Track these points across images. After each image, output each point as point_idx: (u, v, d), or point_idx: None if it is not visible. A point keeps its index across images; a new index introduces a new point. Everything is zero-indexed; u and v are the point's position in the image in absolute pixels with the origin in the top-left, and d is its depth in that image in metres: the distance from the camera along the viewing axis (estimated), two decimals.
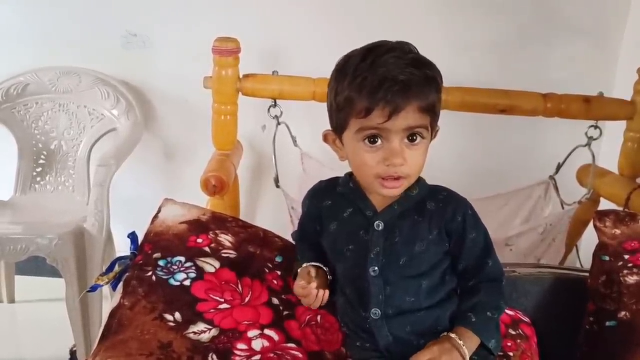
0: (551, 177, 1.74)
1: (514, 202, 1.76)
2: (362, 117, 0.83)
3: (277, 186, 1.53)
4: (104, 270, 0.93)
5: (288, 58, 1.86)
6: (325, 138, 0.93)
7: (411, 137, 0.85)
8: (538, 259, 1.55)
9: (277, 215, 2.01)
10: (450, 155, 1.90)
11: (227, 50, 1.50)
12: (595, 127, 1.57)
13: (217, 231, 0.96)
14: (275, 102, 1.57)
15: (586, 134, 1.58)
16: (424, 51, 1.87)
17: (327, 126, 2.04)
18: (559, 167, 1.72)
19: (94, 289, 0.88)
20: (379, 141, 0.84)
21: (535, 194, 1.76)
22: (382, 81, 0.81)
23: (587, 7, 1.88)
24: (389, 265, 0.89)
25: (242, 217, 1.74)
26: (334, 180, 0.98)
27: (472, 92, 1.54)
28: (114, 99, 1.82)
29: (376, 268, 0.88)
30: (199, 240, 0.95)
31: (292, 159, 1.79)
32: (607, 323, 0.87)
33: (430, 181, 0.98)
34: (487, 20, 1.88)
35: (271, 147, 1.93)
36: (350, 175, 0.95)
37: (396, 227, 0.90)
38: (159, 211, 0.99)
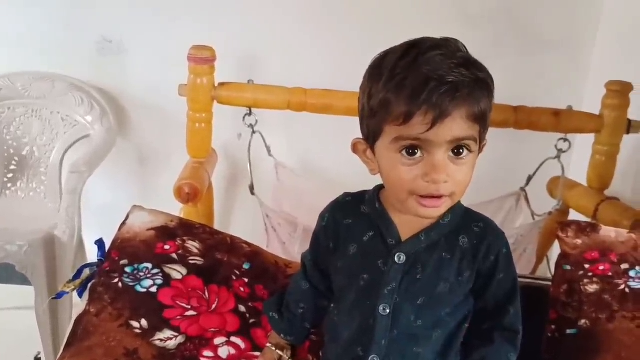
0: (522, 189, 1.77)
1: (486, 213, 1.77)
2: (399, 124, 0.71)
3: (253, 194, 1.53)
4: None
5: (264, 67, 1.87)
6: (355, 148, 0.81)
7: (457, 149, 0.73)
8: None
9: (252, 224, 2.00)
10: None
11: (202, 58, 1.50)
12: (565, 139, 1.60)
13: (184, 238, 0.95)
14: (250, 111, 1.58)
15: (556, 146, 1.61)
16: None
17: (303, 136, 2.06)
18: (529, 179, 1.75)
19: (59, 296, 0.87)
20: (419, 153, 0.72)
21: (506, 206, 1.78)
22: (425, 81, 0.69)
23: (559, 21, 1.92)
24: (403, 306, 0.78)
25: (216, 226, 1.74)
26: (361, 196, 0.85)
27: None
28: (88, 105, 1.81)
29: (387, 307, 0.78)
30: (166, 247, 0.94)
31: (266, 168, 1.79)
32: (568, 331, 0.88)
33: None
34: (463, 33, 1.88)
35: (246, 155, 1.95)
36: (377, 192, 0.83)
37: (419, 262, 0.78)
38: (127, 218, 0.98)
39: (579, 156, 1.71)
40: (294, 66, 1.85)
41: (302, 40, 1.86)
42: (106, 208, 1.96)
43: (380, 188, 0.84)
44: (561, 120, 1.56)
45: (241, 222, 2.00)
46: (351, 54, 1.87)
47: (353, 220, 0.83)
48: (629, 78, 1.74)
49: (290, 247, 1.51)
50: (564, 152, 1.61)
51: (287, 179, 1.73)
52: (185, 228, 0.96)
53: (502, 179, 1.91)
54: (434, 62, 0.71)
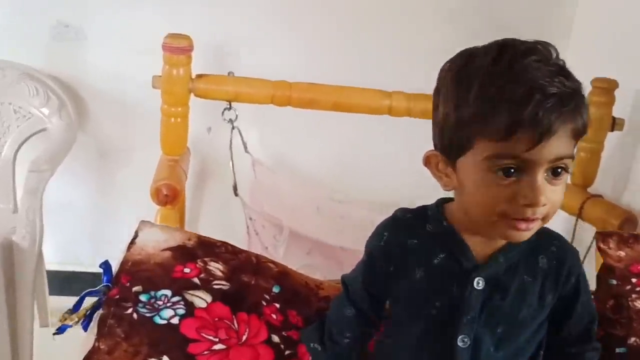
0: None
1: None
2: (499, 141, 0.64)
3: (236, 194, 1.43)
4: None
5: (239, 58, 1.76)
6: (428, 161, 0.74)
7: (555, 169, 0.66)
8: None
9: (224, 224, 1.90)
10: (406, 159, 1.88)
11: (179, 48, 1.39)
12: None
13: (205, 259, 0.84)
14: (230, 105, 1.47)
15: None
16: (380, 57, 1.85)
17: (280, 131, 1.96)
18: None
19: (61, 330, 0.75)
20: (514, 172, 0.65)
21: None
22: (529, 93, 0.62)
23: (535, 17, 1.91)
24: (483, 337, 0.72)
25: (186, 228, 1.63)
26: (422, 212, 0.78)
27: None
28: (43, 96, 1.65)
29: (467, 338, 0.71)
30: (187, 270, 0.83)
31: (241, 165, 1.69)
32: (617, 350, 0.84)
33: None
34: (439, 28, 1.87)
35: (217, 151, 1.84)
36: (440, 207, 0.76)
37: (500, 287, 0.72)
38: (135, 236, 0.86)
39: None
40: (274, 58, 1.75)
41: (282, 30, 1.76)
42: (63, 207, 1.82)
43: (442, 203, 0.77)
44: None
45: (212, 223, 1.89)
46: (334, 46, 1.80)
47: (418, 241, 0.75)
48: (603, 74, 1.76)
49: (273, 251, 1.42)
50: None
51: (265, 177, 1.64)
52: (205, 247, 0.85)
53: None
54: (533, 70, 0.64)
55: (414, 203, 1.71)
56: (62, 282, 1.87)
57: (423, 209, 0.79)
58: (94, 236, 1.92)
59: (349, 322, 0.81)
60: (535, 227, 0.68)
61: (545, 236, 0.74)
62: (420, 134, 1.82)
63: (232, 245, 0.88)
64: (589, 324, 0.78)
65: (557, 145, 0.64)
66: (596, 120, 1.56)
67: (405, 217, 0.79)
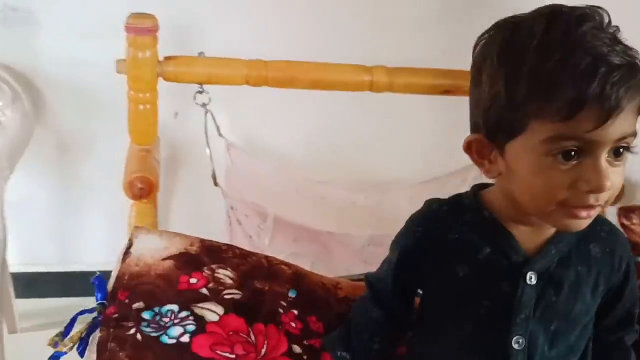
0: None
1: (450, 186, 1.72)
2: (559, 121, 0.57)
3: (216, 184, 1.34)
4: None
5: (209, 38, 1.66)
6: (468, 146, 0.68)
7: (617, 149, 0.61)
8: None
9: (202, 216, 1.82)
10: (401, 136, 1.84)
11: (144, 28, 1.29)
12: None
13: (212, 266, 0.75)
14: (202, 88, 1.38)
15: None
16: (350, 30, 1.76)
17: (253, 110, 1.87)
18: None
19: (54, 358, 0.66)
20: (574, 155, 0.59)
21: (469, 177, 1.72)
22: (593, 65, 0.56)
23: None
24: (539, 335, 0.67)
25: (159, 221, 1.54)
26: (458, 202, 0.71)
27: (418, 72, 1.46)
28: None
29: (522, 339, 0.66)
30: (193, 281, 0.74)
31: (214, 150, 1.60)
32: None
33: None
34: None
35: (186, 137, 1.74)
36: (478, 195, 0.70)
37: (553, 280, 0.67)
38: (130, 244, 0.76)
39: None
40: (245, 35, 1.66)
41: (251, 3, 1.67)
42: (23, 204, 1.69)
43: (478, 190, 0.71)
44: None
45: (188, 215, 1.80)
46: (309, 19, 1.72)
47: (460, 235, 0.69)
48: None
49: (257, 240, 1.35)
50: None
51: (242, 161, 1.56)
52: (210, 252, 0.76)
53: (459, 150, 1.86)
54: (592, 39, 0.57)
55: (395, 180, 1.66)
56: (27, 283, 1.76)
57: (458, 197, 0.73)
58: (58, 234, 1.81)
59: (378, 325, 0.75)
60: (595, 214, 0.63)
61: (593, 221, 0.67)
62: (399, 109, 1.79)
63: (239, 248, 0.79)
64: (631, 308, 0.74)
65: (623, 122, 0.58)
66: None
67: (441, 209, 0.72)
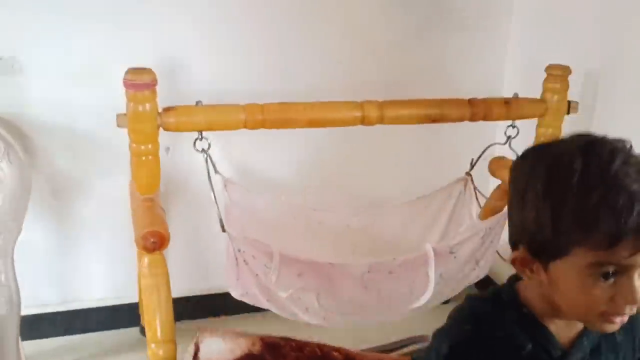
0: (467, 174, 1.79)
1: (436, 202, 1.79)
2: (601, 249, 0.66)
3: (224, 230, 1.38)
4: None
5: (198, 80, 1.69)
6: (514, 262, 0.75)
7: None
8: (477, 260, 1.60)
9: (195, 250, 1.87)
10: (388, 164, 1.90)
11: (143, 84, 1.31)
12: (513, 126, 1.64)
13: None
14: (201, 135, 1.42)
15: (505, 133, 1.65)
16: (334, 53, 1.82)
17: (244, 150, 1.91)
18: (473, 163, 1.78)
19: None
20: (611, 275, 0.69)
21: (455, 192, 1.80)
22: (630, 202, 0.65)
23: (477, 2, 1.94)
24: None
25: None
26: (498, 299, 0.78)
27: (406, 104, 1.52)
28: None
29: None
30: None
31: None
32: None
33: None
34: (387, 19, 1.87)
35: (179, 172, 1.78)
36: (514, 291, 0.77)
37: None
38: (197, 349, 0.81)
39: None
40: (233, 78, 1.70)
41: (233, 45, 1.71)
42: (21, 248, 1.70)
43: (514, 283, 0.78)
44: (511, 109, 1.59)
45: (181, 255, 1.83)
46: (293, 54, 1.76)
47: (504, 333, 0.76)
48: (542, 54, 1.80)
49: (265, 278, 1.40)
50: (513, 138, 1.65)
51: (239, 198, 1.60)
52: (271, 350, 0.82)
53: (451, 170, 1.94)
54: (625, 177, 0.66)
55: (386, 200, 1.70)
56: (29, 325, 1.78)
57: (497, 294, 0.80)
58: (57, 275, 1.83)
59: None
60: (627, 318, 0.72)
61: None
62: (385, 134, 1.86)
63: (294, 340, 0.85)
64: None
65: None
66: (554, 106, 1.63)
67: (484, 307, 0.80)
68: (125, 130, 1.34)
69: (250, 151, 1.81)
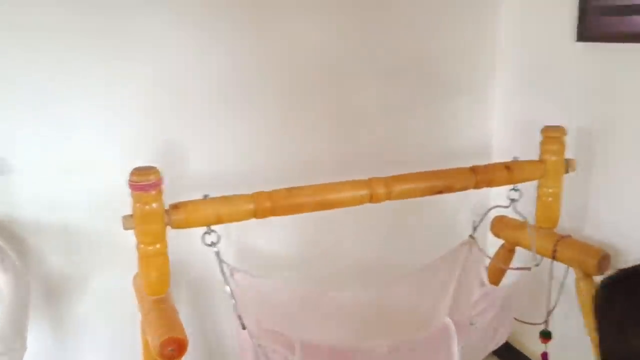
0: (471, 236, 1.78)
1: (443, 269, 1.77)
2: None
3: (244, 328, 1.33)
4: None
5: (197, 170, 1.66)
6: None
7: None
8: (496, 328, 1.58)
9: (202, 337, 1.80)
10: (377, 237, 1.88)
11: (149, 184, 1.26)
12: (516, 189, 1.65)
13: None
14: (210, 229, 1.37)
15: (508, 196, 1.65)
16: (328, 124, 1.82)
17: (244, 228, 1.85)
18: (475, 225, 1.77)
19: None
20: None
21: (461, 257, 1.79)
22: None
23: (463, 69, 1.99)
24: None
25: None
26: None
27: (412, 178, 1.51)
28: None
29: None
30: None
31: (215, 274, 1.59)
32: None
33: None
34: (382, 87, 1.88)
35: (178, 266, 1.72)
36: None
37: None
38: None
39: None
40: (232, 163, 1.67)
41: (224, 130, 1.69)
42: None
43: None
44: (513, 173, 1.60)
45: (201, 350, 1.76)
46: (277, 130, 1.75)
47: None
48: (528, 112, 1.90)
49: None
50: (516, 201, 1.65)
51: (249, 285, 1.54)
52: None
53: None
54: None
55: (394, 270, 1.67)
56: None
57: None
58: None
59: None
60: None
61: None
62: (386, 205, 1.85)
63: None
64: None
65: None
66: (553, 167, 1.64)
67: None
68: (118, 224, 1.28)
69: (249, 229, 1.76)
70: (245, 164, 1.70)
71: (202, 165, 1.68)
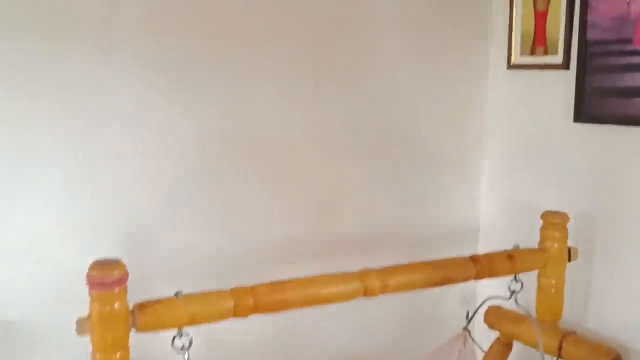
0: (465, 329, 1.65)
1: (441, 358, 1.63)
2: None
3: None
4: None
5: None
6: None
7: None
8: None
9: None
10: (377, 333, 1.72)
11: (113, 281, 1.07)
12: (517, 280, 1.52)
13: None
14: (181, 332, 1.17)
15: (509, 287, 1.52)
16: (311, 203, 1.68)
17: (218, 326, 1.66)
18: (469, 317, 1.63)
19: None
20: None
21: (455, 351, 1.65)
22: None
23: (451, 145, 1.90)
24: None
25: None
26: None
27: (408, 270, 1.37)
28: None
29: None
30: None
31: None
32: None
33: None
34: (364, 166, 1.77)
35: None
36: None
37: None
38: None
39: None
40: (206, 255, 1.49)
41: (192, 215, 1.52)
42: None
43: None
44: (515, 262, 1.48)
45: None
46: (259, 210, 1.60)
47: None
48: (518, 193, 1.83)
49: None
50: (518, 292, 1.52)
51: None
52: None
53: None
54: None
55: None
56: None
57: None
58: None
59: None
60: None
61: None
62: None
63: None
64: None
65: None
66: (555, 256, 1.53)
67: None
68: (70, 326, 1.07)
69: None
70: (222, 249, 1.52)
71: (172, 253, 1.49)
